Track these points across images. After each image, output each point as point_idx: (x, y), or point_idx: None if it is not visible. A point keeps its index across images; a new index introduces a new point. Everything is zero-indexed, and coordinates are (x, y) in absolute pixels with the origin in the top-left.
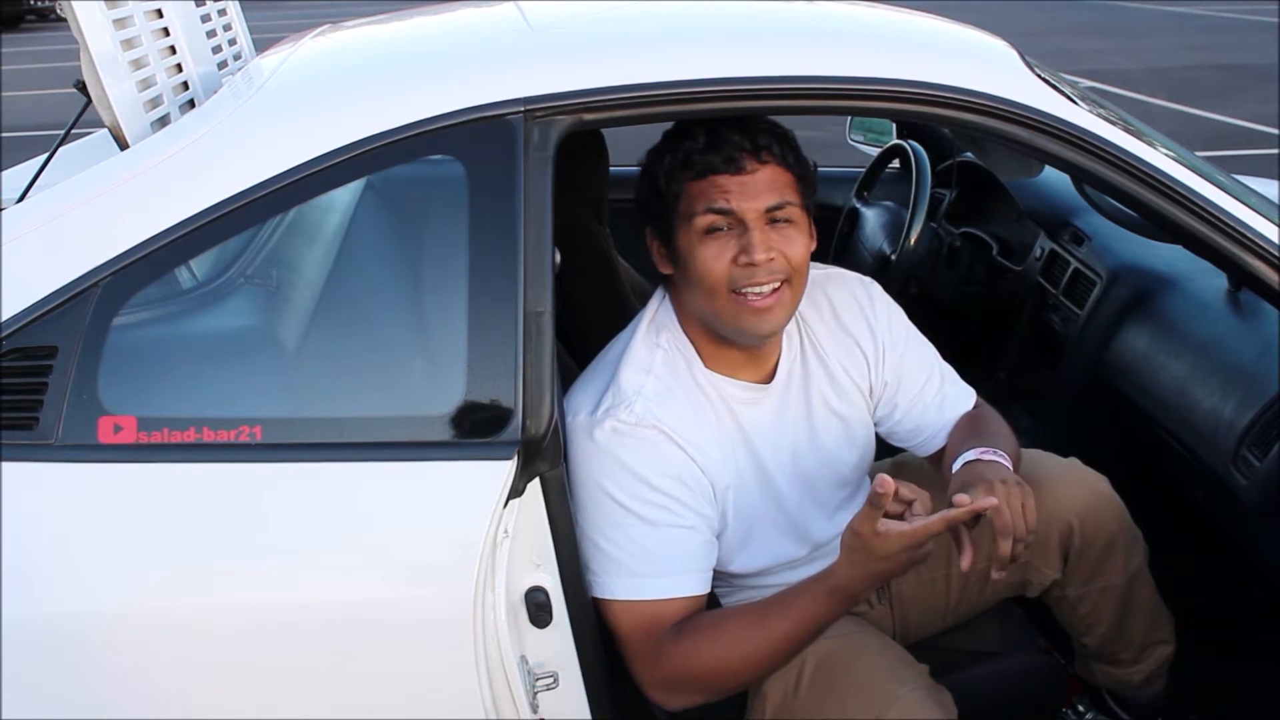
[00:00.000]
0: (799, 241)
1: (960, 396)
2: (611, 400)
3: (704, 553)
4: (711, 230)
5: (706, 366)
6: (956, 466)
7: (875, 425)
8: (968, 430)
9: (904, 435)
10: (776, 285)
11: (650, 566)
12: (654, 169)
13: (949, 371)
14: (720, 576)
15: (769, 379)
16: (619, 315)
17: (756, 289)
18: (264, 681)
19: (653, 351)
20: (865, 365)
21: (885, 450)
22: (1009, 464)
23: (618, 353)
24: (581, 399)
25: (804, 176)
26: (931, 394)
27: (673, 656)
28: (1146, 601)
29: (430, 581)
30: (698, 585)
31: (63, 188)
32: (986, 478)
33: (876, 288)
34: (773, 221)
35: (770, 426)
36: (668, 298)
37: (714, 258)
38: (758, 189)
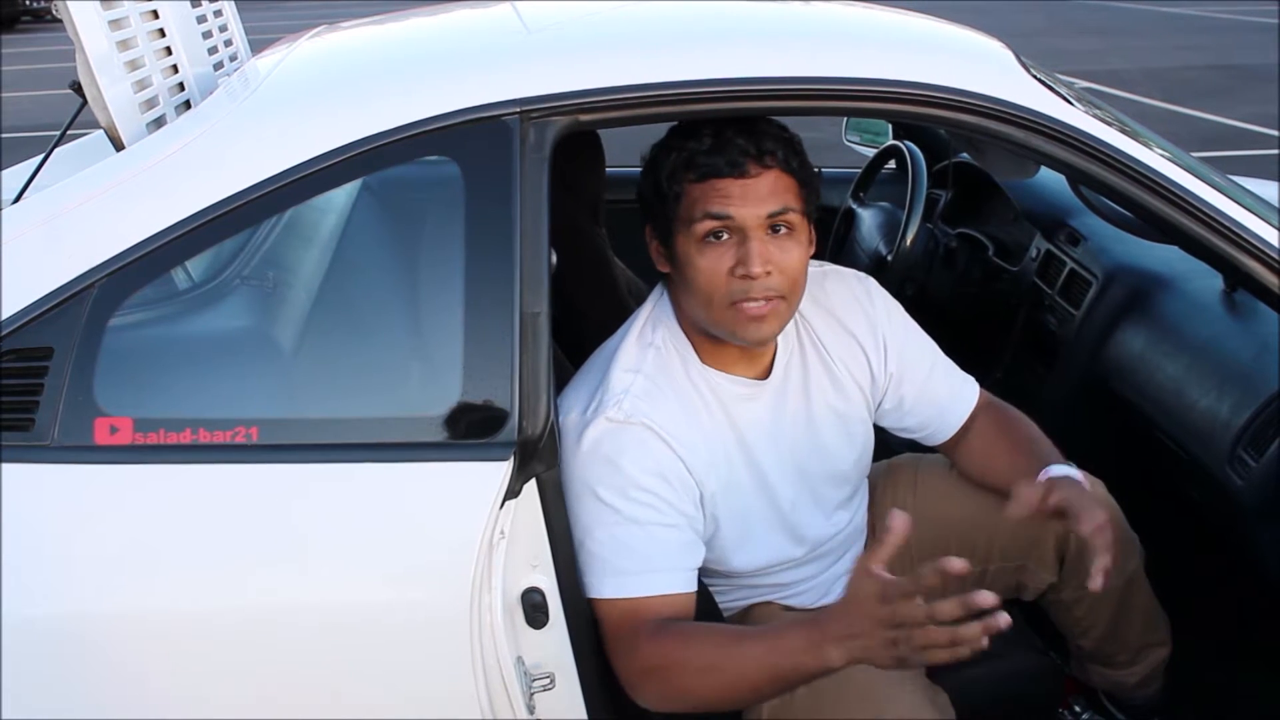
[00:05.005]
0: (797, 251)
1: (968, 387)
2: (600, 399)
3: (687, 551)
4: (710, 236)
5: (703, 362)
6: (1043, 477)
7: (882, 419)
8: (1012, 432)
9: (913, 427)
10: (771, 298)
11: (634, 564)
12: (657, 166)
13: (951, 364)
14: (719, 575)
15: (765, 375)
16: (616, 316)
17: (751, 302)
18: (260, 682)
19: (644, 350)
20: (865, 361)
21: (881, 451)
22: (1083, 480)
23: (610, 353)
24: (573, 399)
25: (807, 182)
26: (940, 386)
27: (646, 649)
28: (1142, 604)
29: (427, 582)
30: (682, 583)
31: (59, 189)
32: (1089, 509)
33: (874, 283)
34: (773, 229)
35: (767, 423)
36: (666, 294)
37: (711, 267)
38: (759, 195)
